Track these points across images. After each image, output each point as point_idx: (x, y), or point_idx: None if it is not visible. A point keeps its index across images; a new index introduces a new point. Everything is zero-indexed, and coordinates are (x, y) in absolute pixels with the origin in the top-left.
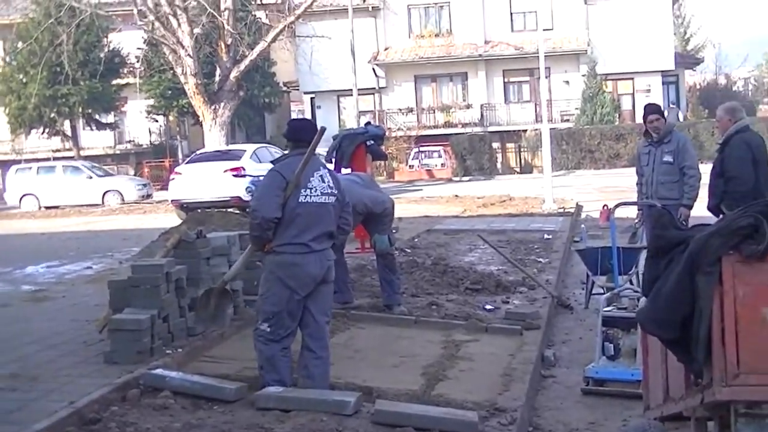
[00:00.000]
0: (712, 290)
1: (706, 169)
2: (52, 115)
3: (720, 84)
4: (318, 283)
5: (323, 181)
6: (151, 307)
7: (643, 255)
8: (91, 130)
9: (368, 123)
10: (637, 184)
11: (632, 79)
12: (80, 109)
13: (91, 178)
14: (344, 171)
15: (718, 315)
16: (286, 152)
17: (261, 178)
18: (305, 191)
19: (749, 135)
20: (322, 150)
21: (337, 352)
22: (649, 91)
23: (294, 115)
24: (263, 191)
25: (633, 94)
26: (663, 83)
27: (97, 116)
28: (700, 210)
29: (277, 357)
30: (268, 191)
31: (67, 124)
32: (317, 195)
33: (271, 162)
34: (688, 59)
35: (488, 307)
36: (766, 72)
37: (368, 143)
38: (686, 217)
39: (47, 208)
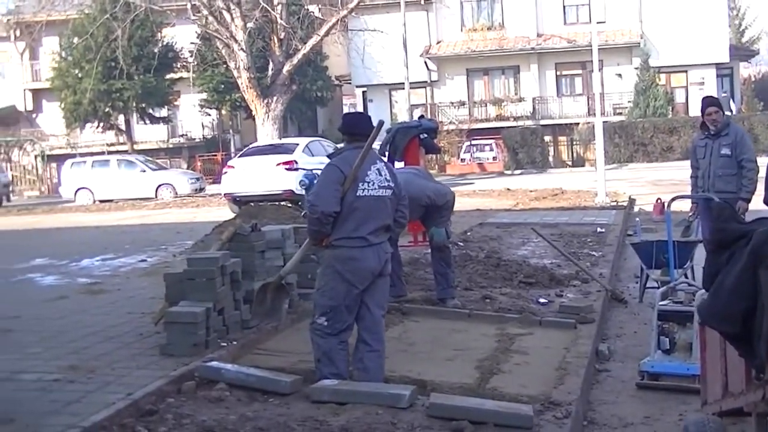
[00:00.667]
0: None
1: (762, 162)
2: (107, 109)
3: None
4: (375, 276)
5: (380, 175)
6: (206, 300)
7: (698, 249)
8: (145, 124)
9: (422, 116)
10: (691, 177)
11: (686, 71)
12: (134, 104)
13: (144, 171)
14: (397, 164)
15: None
16: (339, 146)
17: (314, 171)
18: (363, 185)
19: None
20: (375, 144)
21: (392, 346)
22: (703, 83)
23: (346, 109)
24: (322, 185)
25: (686, 87)
26: (717, 76)
27: (150, 110)
28: (758, 204)
29: (334, 350)
30: (327, 185)
31: (121, 118)
32: (375, 188)
33: (328, 156)
34: (742, 51)
35: (542, 300)
36: None
37: (421, 136)
38: (744, 211)
39: (101, 201)
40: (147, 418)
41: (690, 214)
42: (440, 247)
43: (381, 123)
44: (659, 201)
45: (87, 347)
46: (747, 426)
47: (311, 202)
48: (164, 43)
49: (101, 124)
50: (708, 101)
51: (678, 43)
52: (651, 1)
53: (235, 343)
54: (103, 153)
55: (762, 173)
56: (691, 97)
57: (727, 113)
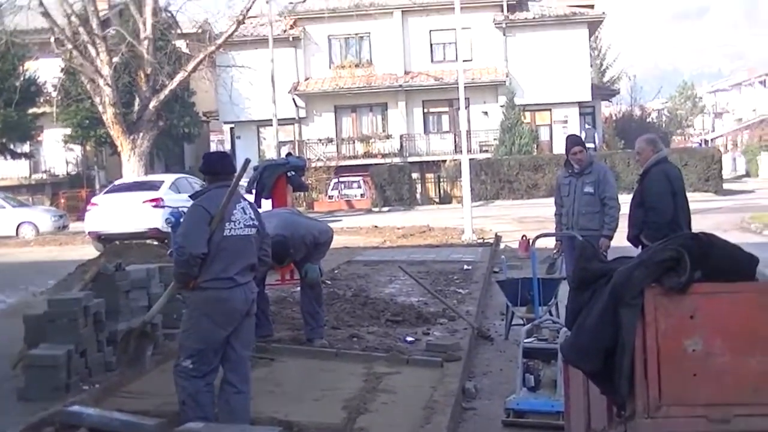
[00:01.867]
0: (634, 322)
1: (624, 200)
2: None
3: (635, 115)
4: (243, 316)
5: (245, 213)
6: (68, 342)
7: (563, 285)
8: (5, 159)
9: (289, 154)
10: (555, 214)
11: (550, 110)
12: None
13: (4, 208)
14: (265, 202)
15: (640, 347)
16: (204, 184)
17: (180, 209)
18: (229, 224)
19: (668, 166)
20: (242, 181)
21: (258, 386)
22: (566, 122)
23: (213, 145)
24: (188, 227)
25: (551, 124)
26: (580, 114)
27: (11, 146)
28: (620, 240)
29: (200, 393)
30: (194, 226)
31: None
32: (240, 228)
33: (190, 197)
34: (604, 91)
35: (409, 338)
36: (679, 104)
37: (289, 174)
38: (606, 248)
39: None
40: None
41: (554, 251)
42: (313, 284)
43: (247, 161)
44: (524, 238)
45: None
46: None
47: (179, 243)
48: (26, 77)
49: None
50: (573, 140)
51: (542, 82)
52: (516, 40)
53: (97, 386)
54: None
55: (624, 210)
56: (555, 134)
57: (590, 146)
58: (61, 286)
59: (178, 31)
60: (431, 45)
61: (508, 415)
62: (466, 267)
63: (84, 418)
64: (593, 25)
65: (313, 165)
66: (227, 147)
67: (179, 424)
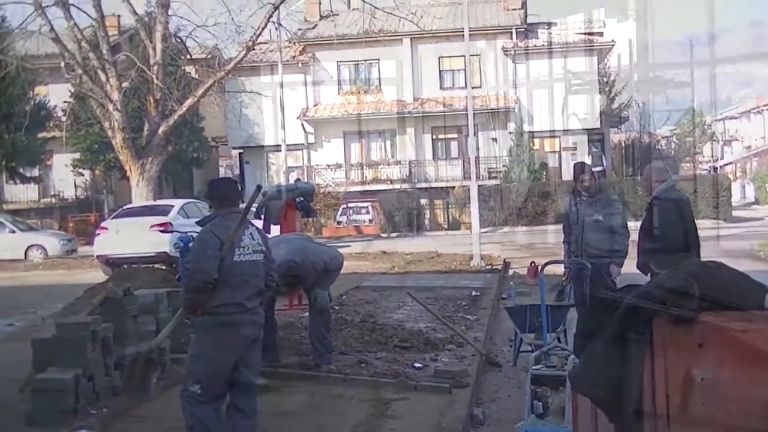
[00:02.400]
0: (643, 351)
1: (632, 227)
2: None
3: (644, 142)
4: (251, 341)
5: (253, 239)
6: (76, 366)
7: (571, 312)
8: (15, 183)
9: (298, 179)
10: (564, 242)
11: (559, 137)
12: (3, 163)
13: (13, 232)
14: (273, 228)
15: (648, 375)
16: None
17: (189, 234)
18: (239, 250)
19: (676, 193)
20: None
21: (265, 411)
22: (575, 148)
23: (222, 171)
24: (200, 253)
25: (559, 151)
26: (589, 141)
27: (21, 170)
28: (629, 267)
29: (209, 418)
30: (205, 252)
31: None
32: (249, 253)
33: (197, 223)
34: (613, 118)
35: (417, 365)
36: (688, 131)
37: (298, 200)
38: (617, 275)
39: None
40: None
41: (563, 278)
42: (322, 310)
43: (259, 188)
44: (533, 265)
45: None
46: None
47: (190, 270)
48: (36, 101)
49: None
50: (581, 168)
51: (551, 109)
52: (525, 67)
53: (105, 410)
54: None
55: (633, 237)
56: (563, 161)
57: (598, 169)
58: (69, 310)
59: (188, 57)
60: (440, 72)
61: None
62: (474, 293)
63: None
64: (602, 53)
65: (322, 190)
66: (236, 172)
67: None
